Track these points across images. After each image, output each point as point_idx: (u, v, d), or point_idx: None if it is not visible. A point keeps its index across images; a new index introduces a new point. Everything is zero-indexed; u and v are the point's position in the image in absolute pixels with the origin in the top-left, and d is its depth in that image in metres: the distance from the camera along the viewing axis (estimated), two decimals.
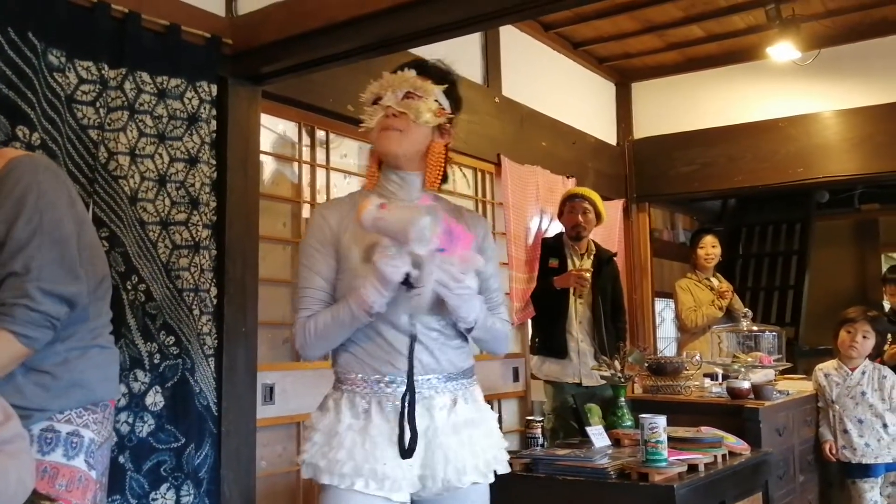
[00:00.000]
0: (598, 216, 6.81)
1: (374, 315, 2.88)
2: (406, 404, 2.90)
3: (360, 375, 3.00)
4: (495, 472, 3.14)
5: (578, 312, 6.66)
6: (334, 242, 3.08)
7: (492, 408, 6.49)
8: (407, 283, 2.79)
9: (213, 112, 4.71)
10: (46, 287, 2.77)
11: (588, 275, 6.51)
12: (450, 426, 3.02)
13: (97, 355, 3.03)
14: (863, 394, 6.47)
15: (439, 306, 2.94)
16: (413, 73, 3.14)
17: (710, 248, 8.29)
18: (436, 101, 3.12)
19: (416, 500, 3.05)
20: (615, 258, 7.15)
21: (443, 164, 3.15)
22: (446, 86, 3.19)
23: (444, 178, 3.22)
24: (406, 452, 2.88)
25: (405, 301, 2.88)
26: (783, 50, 7.91)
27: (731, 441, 5.09)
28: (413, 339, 2.94)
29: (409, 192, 3.12)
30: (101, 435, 3.02)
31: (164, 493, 4.30)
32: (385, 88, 3.11)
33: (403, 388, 2.94)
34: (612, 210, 8.51)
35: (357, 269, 2.97)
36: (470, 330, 3.07)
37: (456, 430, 3.02)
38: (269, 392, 5.08)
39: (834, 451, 6.52)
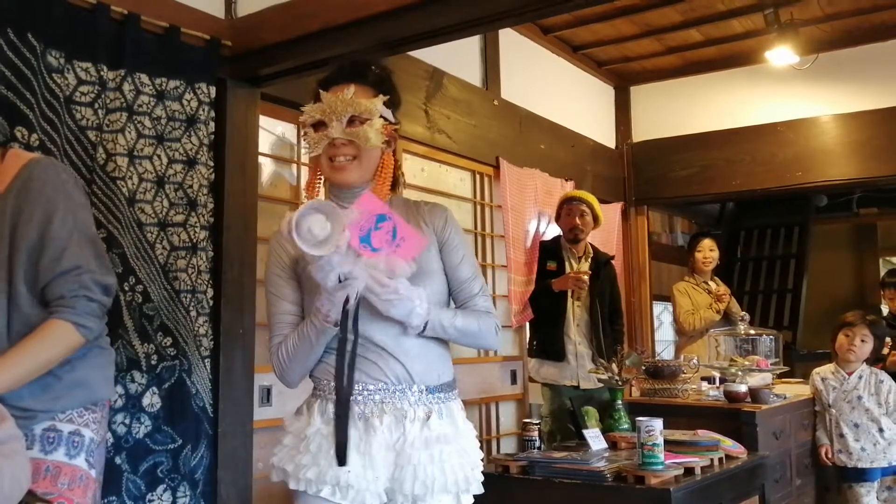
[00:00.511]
0: (596, 219, 6.81)
1: (337, 323, 2.83)
2: (337, 415, 2.87)
3: (332, 383, 2.94)
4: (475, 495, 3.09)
5: (576, 315, 6.66)
6: (293, 266, 3.05)
7: (489, 410, 6.54)
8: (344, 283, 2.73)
9: (212, 114, 4.71)
10: (98, 279, 2.91)
11: (586, 277, 6.51)
12: (421, 440, 2.93)
13: (97, 356, 3.06)
14: (859, 398, 6.47)
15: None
16: (352, 90, 3.03)
17: (708, 251, 8.30)
18: (381, 117, 3.05)
19: None
20: (613, 261, 7.15)
21: (392, 174, 3.12)
22: (387, 97, 3.10)
23: (395, 184, 3.20)
24: (339, 460, 2.84)
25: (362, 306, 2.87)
26: (781, 54, 7.93)
27: (728, 444, 5.09)
28: (342, 342, 2.86)
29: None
30: (99, 434, 3.06)
31: (161, 495, 4.30)
32: (327, 115, 3.01)
33: (376, 397, 2.93)
34: (611, 213, 8.52)
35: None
36: (422, 334, 2.97)
37: (427, 445, 2.93)
38: (266, 394, 5.08)
39: (830, 456, 6.53)
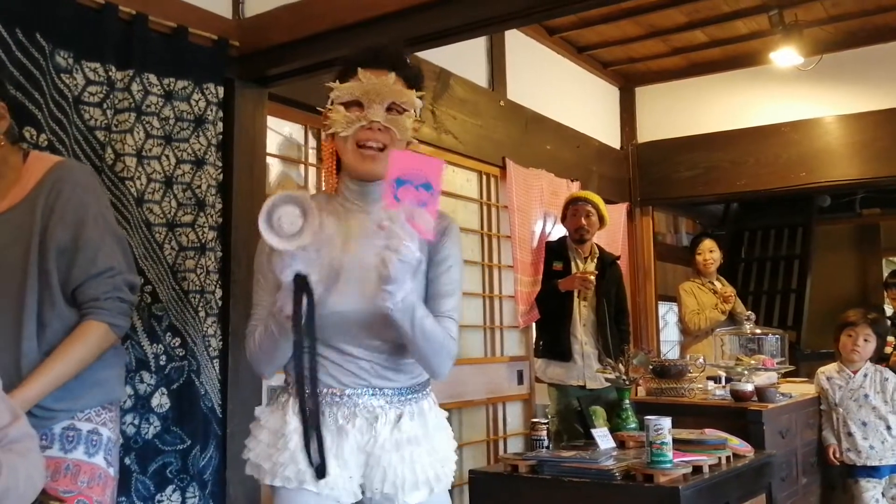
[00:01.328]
0: (601, 219, 6.81)
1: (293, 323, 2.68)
2: (306, 426, 2.76)
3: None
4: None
5: (582, 315, 6.66)
6: None
7: (496, 410, 6.53)
8: (303, 283, 2.58)
9: (220, 114, 4.71)
10: (127, 279, 3.00)
11: (592, 277, 6.52)
12: (392, 443, 2.89)
13: (113, 356, 3.10)
14: (865, 396, 6.47)
15: (376, 322, 2.81)
16: (394, 77, 2.90)
17: (708, 253, 8.29)
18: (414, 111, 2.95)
19: None
20: (618, 261, 7.15)
21: None
22: (422, 93, 3.01)
23: None
24: (319, 473, 2.79)
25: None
26: (786, 55, 7.94)
27: (735, 443, 5.09)
28: (297, 345, 2.69)
29: (364, 200, 2.96)
30: (115, 433, 3.11)
31: (170, 495, 4.30)
32: (368, 96, 2.86)
33: (348, 399, 2.88)
34: (616, 214, 8.53)
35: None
36: (392, 314, 2.68)
37: (398, 447, 2.89)
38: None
39: (838, 455, 6.52)
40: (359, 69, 2.90)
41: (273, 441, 2.90)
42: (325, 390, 2.87)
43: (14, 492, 2.21)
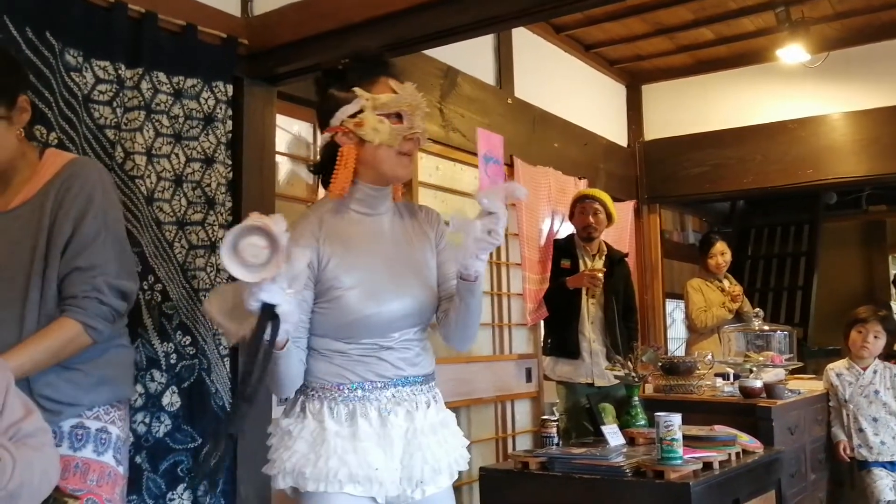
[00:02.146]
0: (609, 217, 6.80)
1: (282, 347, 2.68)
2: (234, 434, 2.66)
3: (341, 383, 2.93)
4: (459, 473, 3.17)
5: (591, 313, 6.66)
6: (313, 276, 2.92)
7: (504, 408, 6.56)
8: (270, 314, 2.49)
9: (229, 112, 4.71)
10: (112, 282, 2.92)
11: (601, 275, 6.51)
12: (428, 427, 3.02)
13: (120, 353, 3.10)
14: (876, 392, 6.47)
15: (414, 314, 3.00)
16: (414, 86, 3.02)
17: (720, 255, 8.23)
18: None
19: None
20: (626, 258, 7.15)
21: None
22: None
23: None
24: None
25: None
26: (793, 52, 7.95)
27: (745, 439, 5.10)
28: (245, 367, 2.55)
29: (376, 206, 3.07)
30: (124, 431, 3.10)
31: (181, 494, 4.31)
32: (410, 108, 2.98)
33: (386, 391, 2.95)
34: (623, 211, 8.52)
35: (349, 304, 2.89)
36: (471, 286, 2.92)
37: (434, 431, 3.03)
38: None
39: (848, 451, 6.52)
40: (389, 80, 3.00)
41: (311, 448, 2.89)
42: (366, 385, 2.94)
43: (28, 487, 2.22)
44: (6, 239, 2.88)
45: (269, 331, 2.50)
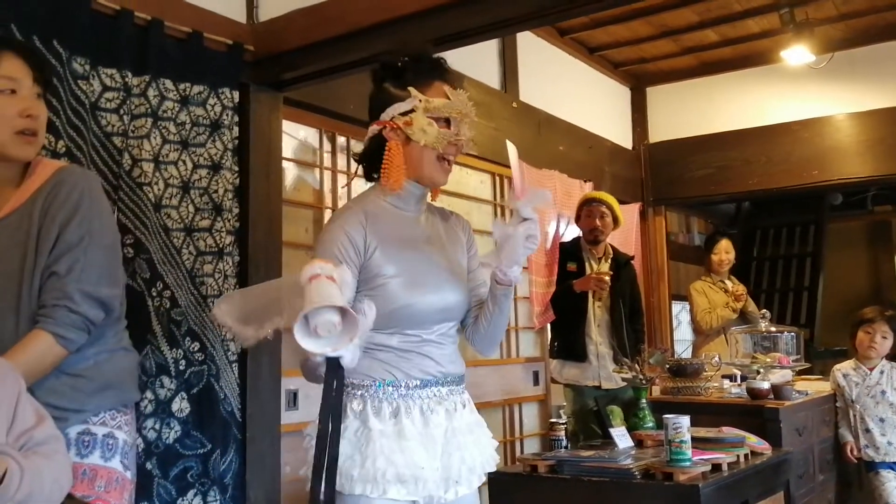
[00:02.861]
0: (616, 220, 6.80)
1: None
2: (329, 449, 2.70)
3: (385, 380, 2.95)
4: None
5: (597, 316, 6.65)
6: (360, 253, 2.98)
7: (512, 412, 6.56)
8: (335, 364, 2.63)
9: (236, 118, 4.74)
10: (86, 289, 2.84)
11: (608, 278, 6.51)
12: (465, 426, 3.07)
13: (123, 358, 3.08)
14: (882, 393, 6.47)
15: (455, 310, 3.12)
16: (466, 95, 3.11)
17: (724, 253, 8.28)
18: None
19: None
20: (632, 261, 7.16)
21: None
22: None
23: None
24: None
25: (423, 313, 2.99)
26: (797, 53, 7.95)
27: (753, 441, 5.09)
28: (339, 383, 2.70)
29: (414, 203, 3.16)
30: (131, 436, 3.09)
31: (191, 499, 4.32)
32: (460, 115, 3.05)
33: (427, 390, 2.99)
34: (629, 214, 8.52)
35: (393, 292, 2.96)
36: (507, 290, 3.10)
37: (471, 430, 3.09)
38: (293, 398, 5.09)
39: (855, 452, 6.52)
40: (444, 85, 3.08)
41: (356, 448, 2.90)
42: (410, 382, 2.98)
43: (38, 496, 2.22)
44: None
45: (335, 384, 2.65)
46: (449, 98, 3.04)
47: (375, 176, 3.13)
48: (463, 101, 3.06)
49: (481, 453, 3.10)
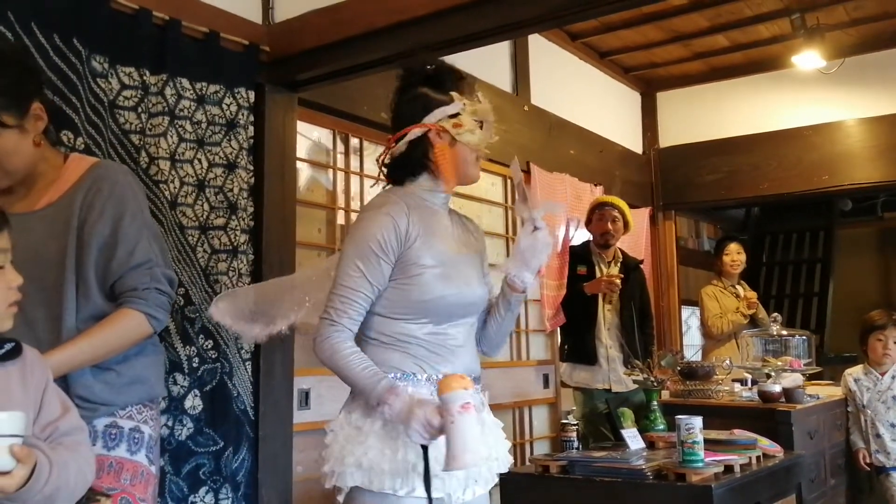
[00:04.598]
0: (626, 224, 6.81)
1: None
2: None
3: (414, 373, 2.96)
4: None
5: (607, 319, 6.66)
6: (399, 246, 3.00)
7: (522, 414, 6.57)
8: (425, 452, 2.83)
9: (251, 118, 4.76)
10: (168, 274, 3.02)
11: (618, 281, 6.52)
12: (490, 424, 3.13)
13: (152, 353, 3.12)
14: (894, 398, 6.44)
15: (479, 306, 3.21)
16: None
17: (736, 255, 8.26)
18: None
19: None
20: (641, 265, 7.16)
21: None
22: None
23: None
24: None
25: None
26: (808, 59, 7.95)
27: (765, 443, 5.08)
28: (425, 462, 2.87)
29: (444, 202, 3.23)
30: (156, 431, 3.12)
31: (203, 497, 4.33)
32: (489, 118, 3.19)
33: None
34: (639, 218, 8.52)
35: (429, 282, 3.01)
36: (519, 296, 3.24)
37: (491, 430, 3.14)
38: (305, 397, 5.10)
39: (868, 461, 6.51)
40: (474, 94, 3.24)
41: (386, 443, 2.91)
42: (437, 377, 2.97)
43: (65, 490, 2.23)
44: (32, 238, 2.87)
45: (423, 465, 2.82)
46: (482, 103, 3.20)
47: (412, 177, 3.17)
48: (488, 105, 3.21)
49: (498, 454, 3.13)
